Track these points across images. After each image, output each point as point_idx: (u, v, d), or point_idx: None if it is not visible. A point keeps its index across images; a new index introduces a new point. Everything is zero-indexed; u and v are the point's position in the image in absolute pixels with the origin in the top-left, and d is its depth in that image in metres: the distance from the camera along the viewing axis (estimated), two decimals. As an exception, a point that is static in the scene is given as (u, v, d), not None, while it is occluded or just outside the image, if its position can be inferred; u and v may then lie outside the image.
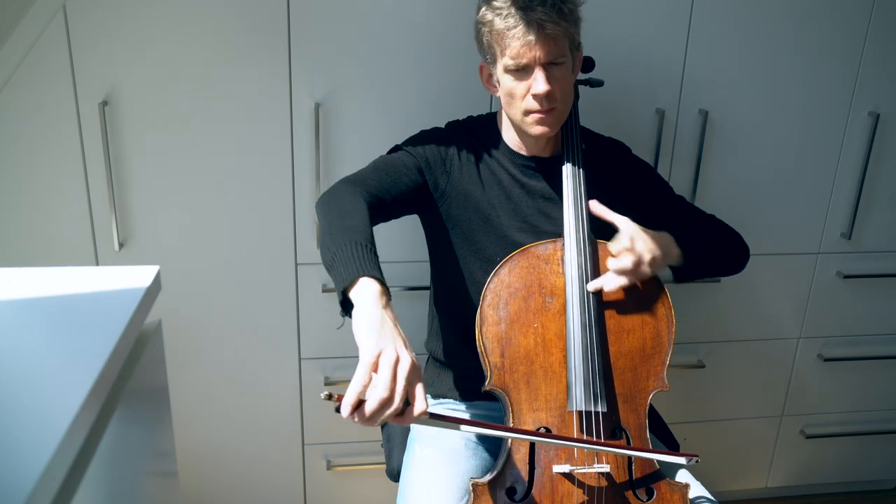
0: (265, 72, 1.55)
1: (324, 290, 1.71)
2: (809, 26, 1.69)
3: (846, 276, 1.92)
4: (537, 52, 1.22)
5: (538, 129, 1.30)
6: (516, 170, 1.38)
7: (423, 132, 1.41)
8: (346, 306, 1.06)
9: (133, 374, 0.81)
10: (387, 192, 1.30)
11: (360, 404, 0.96)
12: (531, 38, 1.21)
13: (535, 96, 1.25)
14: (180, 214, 1.62)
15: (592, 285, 1.26)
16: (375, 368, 0.97)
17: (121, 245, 1.60)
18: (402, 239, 1.66)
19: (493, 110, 1.51)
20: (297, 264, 1.69)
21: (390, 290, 1.09)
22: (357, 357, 0.98)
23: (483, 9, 1.27)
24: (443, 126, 1.44)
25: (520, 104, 1.28)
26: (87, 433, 0.66)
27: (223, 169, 1.60)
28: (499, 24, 1.23)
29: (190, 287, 1.67)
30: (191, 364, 1.73)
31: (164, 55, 1.51)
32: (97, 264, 1.62)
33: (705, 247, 1.37)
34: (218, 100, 1.55)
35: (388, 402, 0.95)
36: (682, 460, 1.21)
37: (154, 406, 0.93)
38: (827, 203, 1.86)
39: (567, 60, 1.27)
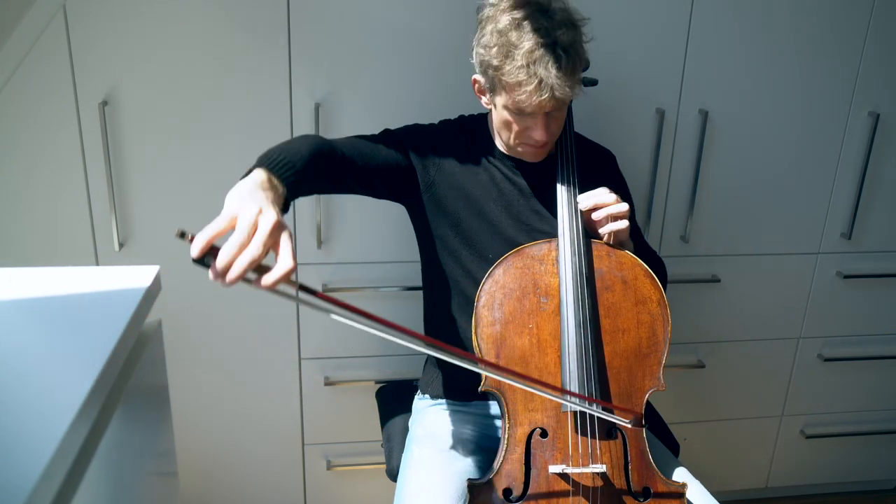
0: (265, 72, 1.55)
1: (324, 290, 1.71)
2: (809, 26, 1.69)
3: (846, 276, 1.92)
4: (545, 108, 1.22)
5: (527, 158, 1.34)
6: (508, 170, 1.38)
7: (416, 124, 1.43)
8: None
9: (133, 374, 0.81)
10: (360, 156, 1.29)
11: (217, 254, 0.89)
12: (543, 98, 1.19)
13: (532, 139, 1.28)
14: (180, 214, 1.62)
15: (585, 201, 1.28)
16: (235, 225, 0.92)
17: (121, 245, 1.61)
18: (399, 239, 1.66)
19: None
20: (296, 264, 1.69)
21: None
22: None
23: (494, 48, 1.21)
24: (437, 124, 1.45)
25: (514, 136, 1.30)
26: (87, 433, 0.67)
27: (223, 169, 1.60)
28: (509, 75, 1.19)
29: (190, 287, 1.67)
30: (191, 364, 1.73)
31: (164, 55, 1.51)
32: (97, 264, 1.62)
33: (645, 259, 1.36)
34: (218, 99, 1.55)
35: (244, 246, 0.89)
36: (626, 422, 1.19)
37: (154, 406, 0.94)
38: (827, 203, 1.86)
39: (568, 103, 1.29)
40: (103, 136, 1.52)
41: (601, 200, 1.27)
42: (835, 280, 1.93)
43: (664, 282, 1.45)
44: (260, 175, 1.04)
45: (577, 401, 1.19)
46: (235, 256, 0.89)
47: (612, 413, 1.20)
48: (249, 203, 0.94)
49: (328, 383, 1.79)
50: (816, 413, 2.09)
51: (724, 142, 1.76)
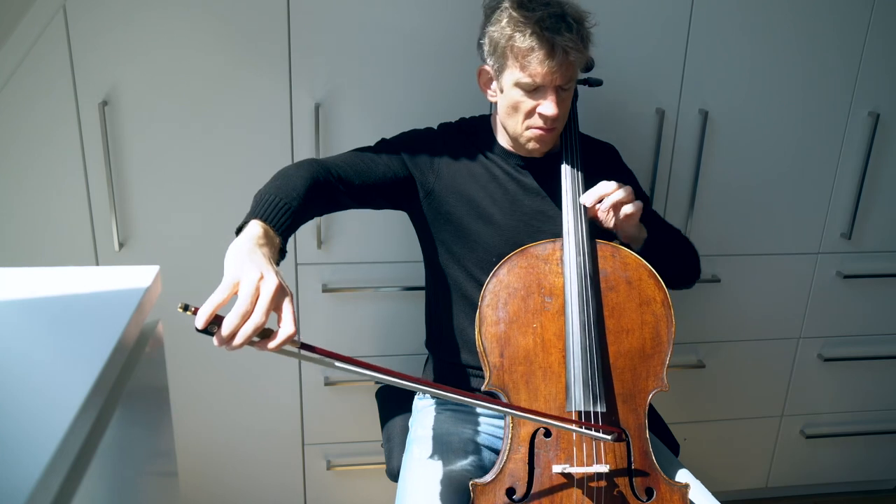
0: (265, 72, 1.55)
1: (324, 290, 1.71)
2: (809, 26, 1.69)
3: (846, 276, 1.92)
4: (556, 77, 1.23)
5: (534, 145, 1.32)
6: (512, 168, 1.38)
7: (413, 130, 1.42)
8: None
9: (133, 374, 0.81)
10: (357, 175, 1.29)
11: (220, 324, 0.92)
12: (554, 63, 1.21)
13: (542, 116, 1.27)
14: (180, 214, 1.62)
15: (588, 198, 1.27)
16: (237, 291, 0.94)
17: (121, 245, 1.60)
18: (400, 239, 1.66)
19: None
20: (297, 264, 1.69)
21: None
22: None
23: (503, 21, 1.24)
24: (435, 127, 1.44)
25: (523, 118, 1.29)
26: (87, 433, 0.66)
27: (223, 169, 1.60)
28: (521, 41, 1.22)
29: (190, 287, 1.66)
30: (191, 364, 1.73)
31: (165, 55, 1.51)
32: (97, 264, 1.62)
33: (666, 244, 1.37)
34: (218, 100, 1.55)
35: (248, 315, 0.92)
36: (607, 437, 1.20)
37: (154, 406, 0.93)
38: (827, 203, 1.86)
39: (575, 83, 1.29)
40: (103, 136, 1.52)
41: (602, 192, 1.27)
42: (835, 280, 1.93)
43: (696, 262, 1.45)
44: (255, 230, 1.05)
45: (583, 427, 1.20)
46: (240, 326, 0.92)
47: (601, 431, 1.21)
48: (250, 268, 0.96)
49: (328, 383, 1.79)
50: (816, 413, 2.09)
51: (724, 142, 1.76)
